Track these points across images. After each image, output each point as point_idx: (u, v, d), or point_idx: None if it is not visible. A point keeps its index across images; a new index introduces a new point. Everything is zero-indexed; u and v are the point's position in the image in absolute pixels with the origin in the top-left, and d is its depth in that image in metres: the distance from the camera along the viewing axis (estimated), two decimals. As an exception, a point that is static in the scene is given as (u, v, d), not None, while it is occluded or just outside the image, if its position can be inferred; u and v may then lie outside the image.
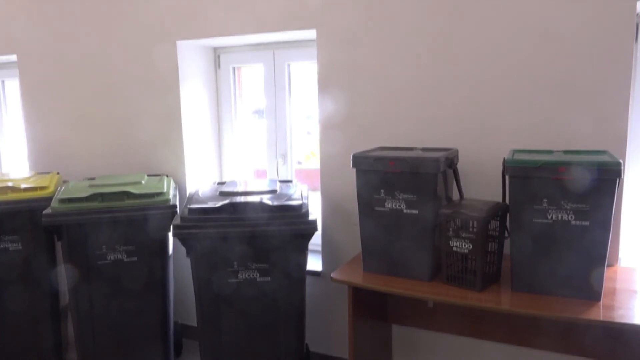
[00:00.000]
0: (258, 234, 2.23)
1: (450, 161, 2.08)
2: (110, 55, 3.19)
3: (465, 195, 2.20)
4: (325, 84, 2.60)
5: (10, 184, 2.76)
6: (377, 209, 2.09)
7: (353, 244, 2.55)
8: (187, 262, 2.34)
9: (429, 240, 2.02)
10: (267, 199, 2.31)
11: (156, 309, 2.62)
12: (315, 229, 2.27)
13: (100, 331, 2.57)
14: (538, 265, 1.83)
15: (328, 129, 2.63)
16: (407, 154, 2.11)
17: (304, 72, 3.08)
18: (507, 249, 1.94)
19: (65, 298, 2.94)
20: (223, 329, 2.36)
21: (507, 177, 1.88)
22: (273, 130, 3.11)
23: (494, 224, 1.95)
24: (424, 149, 2.23)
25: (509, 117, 2.23)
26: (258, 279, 2.29)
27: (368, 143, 2.49)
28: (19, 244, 2.72)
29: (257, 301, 2.32)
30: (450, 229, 1.94)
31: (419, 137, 2.41)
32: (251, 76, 3.31)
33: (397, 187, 2.03)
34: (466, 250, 1.91)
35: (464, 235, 1.91)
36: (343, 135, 2.59)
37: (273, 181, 2.70)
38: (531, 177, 1.79)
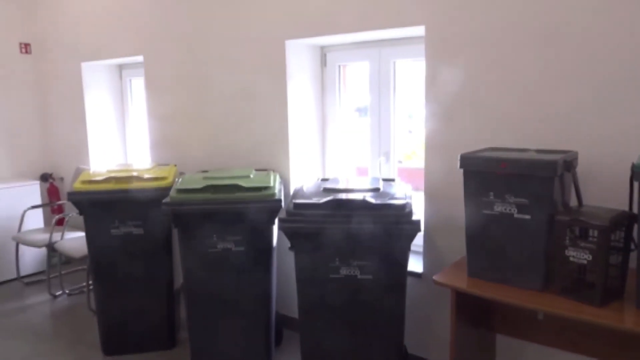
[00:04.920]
0: (360, 231, 2.24)
1: (569, 164, 1.94)
2: (223, 54, 3.38)
3: (584, 201, 2.04)
4: (432, 82, 2.55)
5: (135, 173, 3.03)
6: (485, 212, 2.00)
7: (457, 247, 2.47)
8: (289, 255, 2.41)
9: (541, 247, 1.90)
10: (370, 197, 2.31)
11: (260, 298, 2.74)
12: (419, 230, 2.23)
13: (209, 314, 2.74)
14: (671, 282, 1.65)
15: (434, 127, 2.57)
16: (520, 155, 2.00)
17: (407, 70, 3.04)
18: (632, 263, 1.78)
19: (178, 281, 3.17)
20: (322, 323, 2.40)
21: (636, 184, 1.71)
22: (376, 128, 3.11)
23: (618, 235, 1.78)
24: (539, 151, 2.10)
25: (638, 118, 2.02)
26: (359, 277, 2.31)
27: (477, 143, 2.39)
28: (141, 228, 2.97)
29: (357, 298, 2.33)
30: (567, 238, 1.81)
31: (533, 138, 2.27)
32: (355, 74, 3.33)
33: (508, 190, 1.94)
34: (584, 261, 1.77)
35: (582, 244, 1.78)
36: (450, 135, 2.51)
37: (375, 179, 2.69)
38: (666, 184, 1.61)
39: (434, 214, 2.64)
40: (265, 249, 2.70)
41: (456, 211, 2.44)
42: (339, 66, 3.27)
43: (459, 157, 2.04)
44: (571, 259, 1.81)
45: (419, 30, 2.60)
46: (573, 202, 2.04)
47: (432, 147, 2.59)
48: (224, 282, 2.70)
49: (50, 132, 4.96)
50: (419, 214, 2.29)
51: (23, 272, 4.37)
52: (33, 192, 4.50)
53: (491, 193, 1.98)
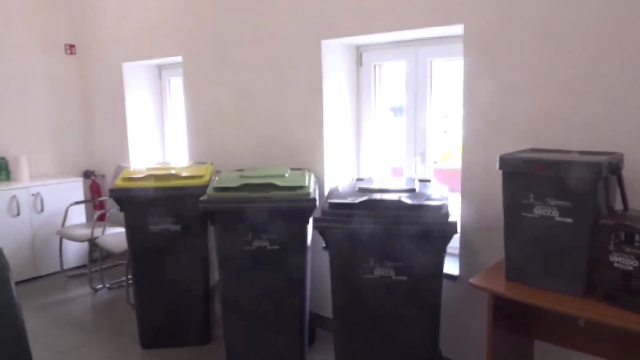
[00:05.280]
0: (396, 232, 2.23)
1: (614, 166, 1.87)
2: (259, 55, 3.41)
3: (630, 206, 1.97)
4: (471, 81, 2.50)
5: (173, 171, 3.10)
6: (524, 214, 1.96)
7: (494, 250, 2.42)
8: (324, 255, 2.42)
9: (584, 252, 1.85)
10: (405, 198, 2.29)
11: (294, 296, 2.75)
12: (455, 232, 2.20)
13: (243, 312, 2.77)
14: None
15: (473, 128, 2.52)
16: (562, 156, 1.94)
17: (443, 69, 3.00)
18: (682, 270, 1.70)
19: (213, 278, 3.23)
20: (356, 323, 2.40)
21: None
22: (412, 128, 3.08)
23: (666, 240, 1.71)
24: (582, 152, 2.04)
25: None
26: (393, 277, 2.29)
27: (517, 144, 2.34)
28: (178, 225, 3.04)
29: (392, 299, 2.32)
30: (612, 243, 1.75)
31: (576, 139, 2.20)
32: (390, 73, 3.31)
33: (549, 192, 1.88)
34: (631, 267, 1.71)
35: (628, 250, 1.71)
36: (489, 135, 2.47)
37: (411, 180, 2.67)
38: None
39: (470, 215, 2.59)
40: (299, 248, 2.71)
41: (494, 213, 2.39)
42: (375, 66, 3.26)
43: (497, 158, 2.00)
44: (615, 264, 1.75)
45: (458, 29, 2.57)
46: (618, 206, 1.97)
47: (470, 148, 2.55)
48: (259, 280, 2.73)
49: (93, 131, 5.12)
50: (455, 215, 2.25)
51: (66, 266, 4.53)
52: (76, 189, 4.66)
53: (531, 195, 1.93)
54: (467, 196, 2.59)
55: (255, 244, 2.69)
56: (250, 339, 2.80)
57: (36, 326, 3.50)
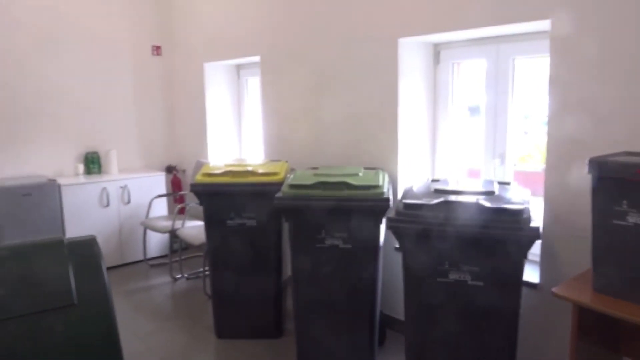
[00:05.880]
0: (473, 235, 2.16)
1: None
2: (335, 54, 3.43)
3: None
4: (557, 80, 2.37)
5: (250, 168, 3.19)
6: (616, 222, 1.83)
7: (579, 259, 2.29)
8: (396, 256, 2.39)
9: (684, 265, 1.70)
10: (484, 200, 2.22)
11: (365, 296, 2.75)
12: (537, 237, 2.09)
13: (315, 308, 2.81)
14: None
15: (559, 129, 2.39)
16: (661, 161, 1.80)
17: (525, 67, 2.86)
18: None
19: (286, 273, 3.29)
20: (429, 327, 2.35)
21: None
22: (491, 128, 2.97)
23: None
24: (684, 157, 1.88)
25: None
26: (469, 282, 2.23)
27: (607, 146, 2.19)
28: (254, 220, 3.13)
29: (467, 305, 2.25)
30: None
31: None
32: (468, 72, 3.21)
33: (646, 199, 1.75)
34: None
35: None
36: (577, 137, 2.33)
37: (489, 182, 2.58)
38: None
39: (553, 221, 2.46)
40: (371, 247, 2.70)
41: (580, 220, 2.27)
42: (453, 64, 3.18)
43: (587, 162, 1.89)
44: None
45: (544, 25, 2.44)
46: None
47: (555, 150, 2.42)
48: (330, 277, 2.75)
49: (175, 128, 5.39)
50: (537, 220, 2.15)
51: (149, 255, 4.81)
52: (159, 183, 4.93)
53: (624, 202, 1.80)
54: (551, 201, 2.47)
55: (328, 242, 2.71)
56: (321, 335, 2.83)
57: (121, 310, 3.73)
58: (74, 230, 4.34)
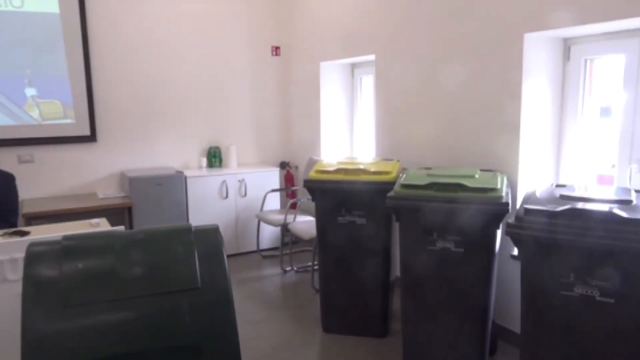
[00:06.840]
0: (604, 248, 1.97)
1: None
2: (452, 53, 3.31)
3: None
4: None
5: (361, 166, 3.21)
6: None
7: None
8: (512, 264, 2.26)
9: None
10: (618, 209, 2.01)
11: (477, 303, 2.64)
12: (683, 254, 1.86)
13: (423, 310, 2.75)
14: None
15: None
16: None
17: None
18: None
19: (394, 273, 3.26)
20: (549, 345, 2.19)
21: None
22: (629, 131, 2.69)
23: None
24: None
25: None
26: (597, 298, 2.03)
27: None
28: (364, 219, 3.14)
29: (594, 323, 2.06)
30: None
31: None
32: (602, 69, 2.92)
33: None
34: None
35: None
36: None
37: (625, 190, 2.33)
38: None
39: None
40: (486, 253, 2.58)
41: None
42: (585, 60, 2.92)
43: None
44: None
45: (701, 14, 2.15)
46: None
47: None
48: (440, 281, 2.67)
49: (289, 125, 5.58)
50: (684, 235, 1.90)
51: (262, 246, 5.05)
52: (273, 178, 5.14)
53: None
54: (701, 214, 2.17)
55: (439, 244, 2.64)
56: (428, 338, 2.77)
57: (235, 297, 3.89)
58: (196, 218, 4.69)
